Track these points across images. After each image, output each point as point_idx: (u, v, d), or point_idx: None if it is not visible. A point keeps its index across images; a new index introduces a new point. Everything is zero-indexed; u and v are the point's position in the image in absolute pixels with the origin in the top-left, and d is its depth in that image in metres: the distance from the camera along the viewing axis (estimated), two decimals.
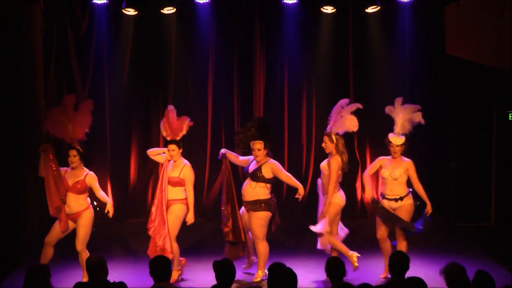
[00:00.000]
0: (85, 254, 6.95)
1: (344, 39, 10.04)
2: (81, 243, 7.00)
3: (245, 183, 7.32)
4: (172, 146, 7.19)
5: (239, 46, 9.99)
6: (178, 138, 7.25)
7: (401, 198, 7.20)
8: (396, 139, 7.19)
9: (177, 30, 9.90)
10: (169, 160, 7.29)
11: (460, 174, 9.94)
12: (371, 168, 7.40)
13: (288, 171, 10.04)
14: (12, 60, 8.22)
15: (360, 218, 10.12)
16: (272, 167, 7.24)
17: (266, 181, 7.23)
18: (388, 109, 7.39)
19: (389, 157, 7.31)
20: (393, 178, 7.14)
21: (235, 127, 9.66)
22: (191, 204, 7.20)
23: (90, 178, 7.10)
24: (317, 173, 7.71)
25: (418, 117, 7.29)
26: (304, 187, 10.03)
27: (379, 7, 9.56)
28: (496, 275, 5.04)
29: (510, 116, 9.60)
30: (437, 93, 10.06)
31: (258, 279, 7.17)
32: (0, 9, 8.03)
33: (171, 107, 7.40)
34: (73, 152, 7.02)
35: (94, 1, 9.41)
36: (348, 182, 8.86)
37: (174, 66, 9.99)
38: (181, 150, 7.25)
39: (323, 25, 9.98)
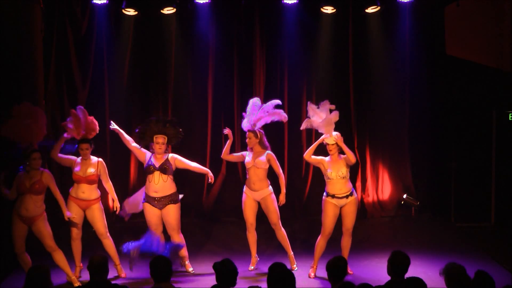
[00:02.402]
0: (57, 255, 7.10)
1: (344, 39, 10.03)
2: (50, 242, 7.05)
3: (154, 179, 7.50)
4: (86, 145, 7.40)
5: (239, 46, 9.98)
6: (91, 137, 7.49)
7: (351, 194, 7.36)
8: (330, 139, 7.32)
9: (177, 30, 9.90)
10: (75, 161, 7.44)
11: (460, 174, 9.94)
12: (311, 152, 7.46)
13: (288, 171, 10.12)
14: (12, 60, 8.21)
15: (360, 218, 10.12)
16: (176, 160, 7.54)
17: (173, 173, 7.55)
18: (311, 108, 7.41)
19: (328, 158, 7.43)
20: (341, 177, 7.28)
21: (235, 127, 9.65)
22: (112, 193, 7.55)
23: (46, 176, 7.12)
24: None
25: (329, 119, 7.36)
26: (305, 187, 10.12)
27: (379, 7, 9.56)
28: (496, 275, 5.04)
29: (510, 116, 9.62)
30: (437, 93, 10.06)
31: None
32: (0, 9, 8.02)
33: (81, 107, 7.57)
34: (38, 155, 7.09)
35: (94, 1, 9.41)
36: None
37: (174, 66, 9.99)
38: (92, 149, 7.48)
39: (323, 25, 9.98)
